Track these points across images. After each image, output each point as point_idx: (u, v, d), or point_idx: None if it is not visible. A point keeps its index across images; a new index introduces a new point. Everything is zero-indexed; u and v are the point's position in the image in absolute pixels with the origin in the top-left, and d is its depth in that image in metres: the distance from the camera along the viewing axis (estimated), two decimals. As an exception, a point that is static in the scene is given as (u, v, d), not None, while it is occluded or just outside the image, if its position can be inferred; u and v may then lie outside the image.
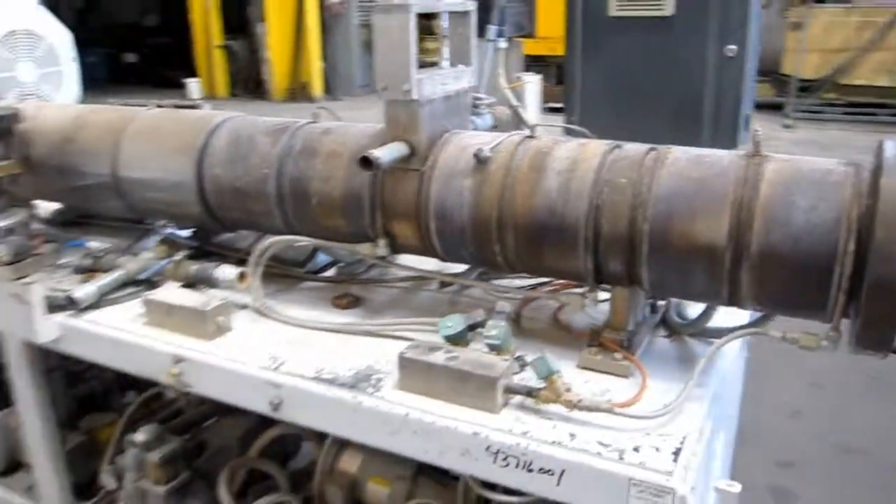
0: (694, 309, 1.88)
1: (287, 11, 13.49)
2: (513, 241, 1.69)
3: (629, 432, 1.44)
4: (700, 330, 1.81)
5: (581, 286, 1.78)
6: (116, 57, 18.10)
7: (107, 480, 2.32)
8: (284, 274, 2.24)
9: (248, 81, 14.88)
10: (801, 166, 1.47)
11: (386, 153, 1.69)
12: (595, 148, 1.66)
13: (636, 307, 1.72)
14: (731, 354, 1.86)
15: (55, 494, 2.43)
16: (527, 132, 1.76)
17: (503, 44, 2.29)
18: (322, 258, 2.30)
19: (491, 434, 1.46)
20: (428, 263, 2.04)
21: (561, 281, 1.99)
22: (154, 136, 2.24)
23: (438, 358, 1.57)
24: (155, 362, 1.89)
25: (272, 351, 1.81)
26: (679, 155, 1.58)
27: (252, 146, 2.05)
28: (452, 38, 1.92)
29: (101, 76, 16.68)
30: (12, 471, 2.69)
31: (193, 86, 3.14)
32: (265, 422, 2.33)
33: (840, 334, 1.46)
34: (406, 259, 2.09)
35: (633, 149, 1.64)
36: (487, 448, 1.46)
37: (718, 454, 1.82)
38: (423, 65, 1.76)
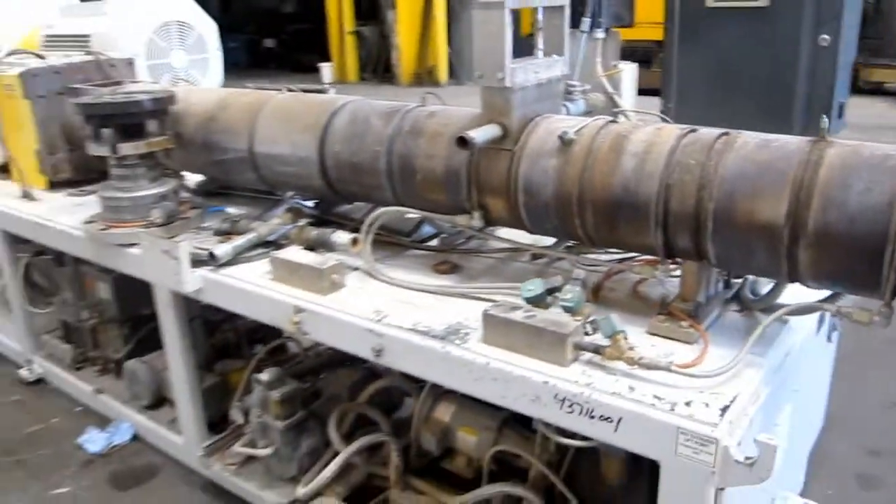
0: (768, 286, 1.99)
1: (416, -2, 13.94)
2: (591, 217, 1.87)
3: (684, 389, 1.60)
4: (769, 306, 1.92)
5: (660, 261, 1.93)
6: (257, 42, 19.09)
7: (236, 416, 2.68)
8: (393, 242, 2.50)
9: (377, 66, 15.42)
10: (861, 151, 1.57)
11: (480, 134, 1.90)
12: (670, 132, 1.81)
13: (705, 281, 1.86)
14: (804, 332, 1.96)
15: (193, 427, 2.81)
16: (609, 117, 1.93)
17: (600, 34, 2.43)
18: (427, 229, 2.55)
19: (559, 384, 1.66)
20: (522, 237, 2.24)
21: (645, 257, 2.14)
22: (284, 117, 2.55)
23: (517, 316, 1.77)
24: (279, 312, 2.19)
25: (377, 306, 2.07)
26: (748, 139, 1.71)
27: (367, 126, 2.31)
28: (546, 30, 2.10)
29: (242, 61, 17.70)
30: (158, 406, 3.11)
31: (326, 70, 3.39)
32: (373, 374, 2.63)
33: (892, 310, 1.55)
34: (503, 232, 2.31)
35: (706, 133, 1.77)
36: (555, 396, 1.66)
37: (784, 425, 1.93)
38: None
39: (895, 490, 2.70)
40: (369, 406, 2.50)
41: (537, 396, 1.69)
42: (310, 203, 2.79)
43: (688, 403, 1.55)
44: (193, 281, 2.40)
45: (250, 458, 2.70)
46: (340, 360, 2.87)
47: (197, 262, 2.41)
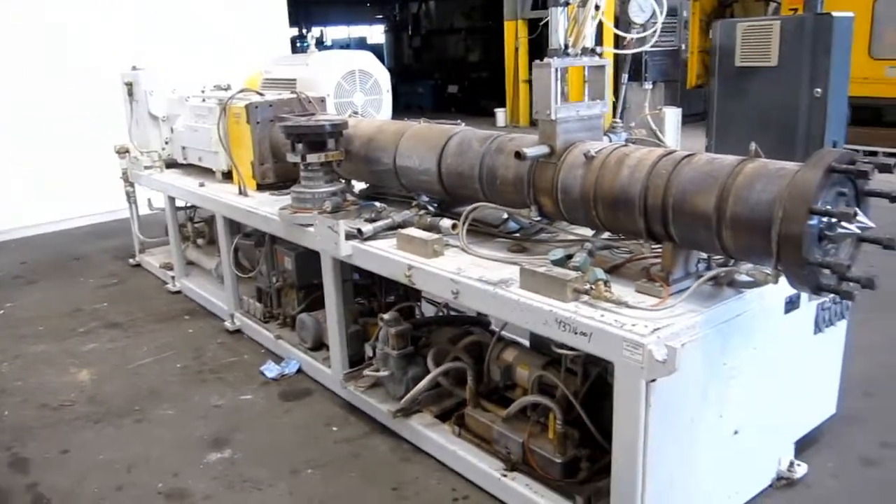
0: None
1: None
2: (602, 210, 2.72)
3: (636, 319, 2.41)
4: (730, 280, 2.66)
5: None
6: (442, 87, 20.88)
7: (369, 351, 3.71)
8: (486, 231, 3.44)
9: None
10: (768, 166, 2.33)
11: (532, 151, 2.83)
12: (657, 153, 2.64)
13: (682, 259, 2.64)
14: (763, 306, 2.67)
15: (338, 361, 3.88)
16: (623, 143, 2.78)
17: (648, 86, 3.26)
18: (512, 224, 3.46)
19: (559, 312, 2.52)
20: (582, 231, 3.10)
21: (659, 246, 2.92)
22: (418, 139, 3.59)
23: (540, 269, 2.66)
24: (398, 269, 3.20)
25: (460, 267, 3.01)
26: (703, 158, 2.51)
27: (469, 147, 3.29)
28: (591, 83, 2.99)
29: (428, 104, 19.48)
30: (318, 349, 4.22)
31: (500, 114, 4.23)
32: (468, 332, 3.56)
33: (779, 272, 2.29)
34: (568, 227, 3.19)
35: (679, 153, 2.59)
36: (556, 319, 2.52)
37: (740, 371, 2.64)
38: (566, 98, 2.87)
39: (892, 470, 3.20)
40: (457, 348, 3.43)
41: (546, 321, 2.56)
42: (434, 203, 3.81)
43: (634, 325, 2.36)
44: (346, 248, 3.48)
45: (375, 385, 3.71)
46: (449, 321, 3.84)
47: (349, 236, 3.48)
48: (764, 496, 3.03)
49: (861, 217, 2.21)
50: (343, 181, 4.04)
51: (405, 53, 25.21)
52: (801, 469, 3.12)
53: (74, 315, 5.46)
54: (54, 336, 5.08)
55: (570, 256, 2.73)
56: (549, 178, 2.91)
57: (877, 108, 11.82)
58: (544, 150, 2.88)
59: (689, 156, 2.56)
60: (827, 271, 2.20)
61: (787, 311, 2.83)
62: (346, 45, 33.85)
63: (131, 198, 6.29)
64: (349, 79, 5.17)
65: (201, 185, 5.08)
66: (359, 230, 3.46)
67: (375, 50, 30.78)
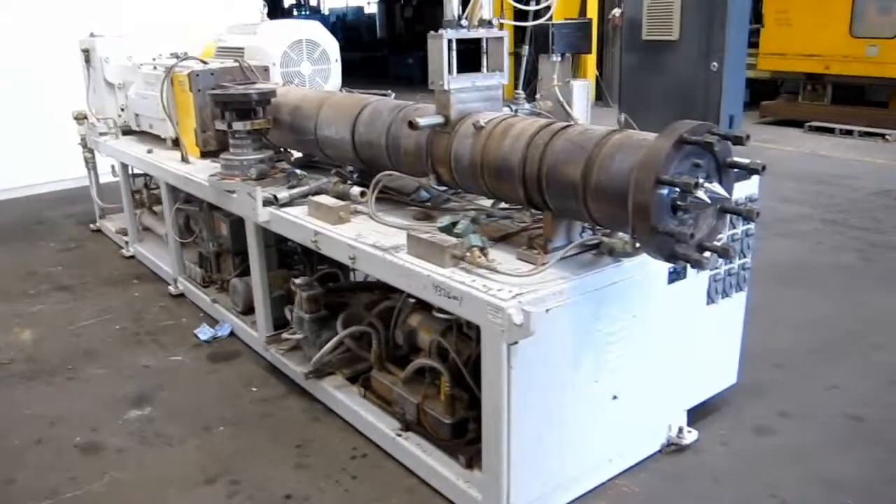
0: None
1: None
2: (488, 178, 2.79)
3: (506, 285, 2.49)
4: (610, 249, 2.73)
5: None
6: (431, 60, 20.75)
7: (288, 314, 3.80)
8: (399, 200, 3.51)
9: (530, 84, 16.49)
10: (631, 136, 2.40)
11: (425, 120, 2.89)
12: (538, 123, 2.70)
13: (563, 228, 2.71)
14: (647, 272, 2.74)
15: (263, 325, 3.98)
16: (512, 113, 2.85)
17: (556, 58, 3.32)
18: (424, 194, 3.53)
19: (436, 277, 2.60)
20: (487, 202, 3.17)
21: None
22: (335, 109, 3.65)
23: (424, 235, 2.74)
24: (307, 234, 3.28)
25: (361, 233, 3.09)
26: (577, 129, 2.58)
27: (379, 116, 3.36)
28: (489, 53, 3.04)
29: (417, 76, 19.41)
30: (249, 313, 4.31)
31: None
32: (385, 298, 3.64)
33: (636, 241, 2.37)
34: (476, 197, 3.25)
35: (557, 124, 2.65)
36: (433, 284, 2.60)
37: (618, 337, 2.73)
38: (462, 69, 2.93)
39: (786, 439, 3.29)
40: (370, 313, 3.52)
41: (425, 285, 2.65)
42: (356, 173, 3.88)
43: (499, 290, 2.44)
44: (264, 215, 3.56)
45: (295, 348, 3.81)
46: (370, 286, 3.93)
47: (267, 202, 3.56)
48: (652, 460, 3.13)
49: (712, 187, 2.27)
50: (274, 150, 4.11)
51: (397, 24, 25.08)
52: (690, 436, 3.22)
53: (27, 278, 5.57)
54: (4, 297, 5.19)
55: (455, 223, 2.80)
56: (444, 147, 2.97)
57: (859, 86, 11.82)
58: (438, 119, 2.95)
59: (566, 127, 2.62)
60: (677, 240, 2.27)
61: (671, 280, 2.91)
62: (343, 14, 33.70)
63: (90, 164, 6.37)
64: (296, 48, 5.21)
65: (149, 151, 5.15)
66: (275, 197, 3.54)
67: (370, 19, 30.81)
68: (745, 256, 3.30)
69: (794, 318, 4.53)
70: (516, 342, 2.39)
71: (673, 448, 3.18)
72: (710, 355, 3.30)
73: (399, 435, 3.12)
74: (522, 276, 2.52)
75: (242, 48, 5.24)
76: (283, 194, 3.55)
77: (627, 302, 2.75)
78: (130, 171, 5.87)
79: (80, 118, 6.18)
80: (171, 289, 5.04)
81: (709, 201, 2.25)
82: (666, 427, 3.19)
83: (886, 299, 4.84)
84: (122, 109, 5.95)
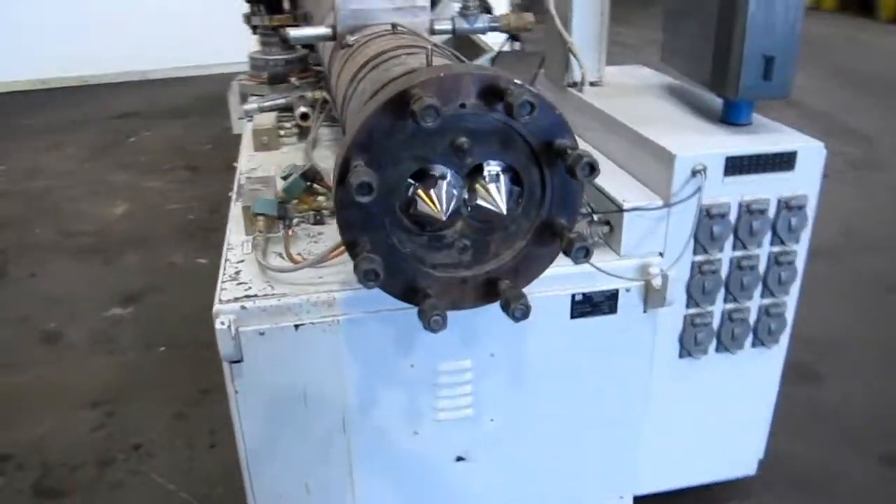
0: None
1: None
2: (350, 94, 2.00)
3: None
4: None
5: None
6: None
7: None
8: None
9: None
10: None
11: (299, 31, 2.18)
12: (384, 47, 1.83)
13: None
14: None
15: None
16: (391, 31, 1.98)
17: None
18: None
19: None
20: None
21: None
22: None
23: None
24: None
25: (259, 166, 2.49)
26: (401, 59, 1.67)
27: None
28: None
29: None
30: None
31: None
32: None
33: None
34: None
35: (400, 50, 1.76)
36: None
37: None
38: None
39: None
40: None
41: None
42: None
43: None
44: (236, 125, 3.11)
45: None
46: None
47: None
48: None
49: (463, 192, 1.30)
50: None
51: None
52: None
53: (174, 152, 5.74)
54: (138, 168, 5.42)
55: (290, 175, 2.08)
56: (331, 70, 2.21)
57: None
58: (322, 31, 2.18)
59: (394, 56, 1.72)
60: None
61: (577, 314, 1.90)
62: None
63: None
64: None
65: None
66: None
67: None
68: (771, 294, 2.05)
69: None
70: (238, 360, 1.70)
71: None
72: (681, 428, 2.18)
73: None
74: (284, 273, 1.76)
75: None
76: (252, 105, 3.03)
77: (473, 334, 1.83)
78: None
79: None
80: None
81: (443, 217, 1.31)
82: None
83: None
84: None
